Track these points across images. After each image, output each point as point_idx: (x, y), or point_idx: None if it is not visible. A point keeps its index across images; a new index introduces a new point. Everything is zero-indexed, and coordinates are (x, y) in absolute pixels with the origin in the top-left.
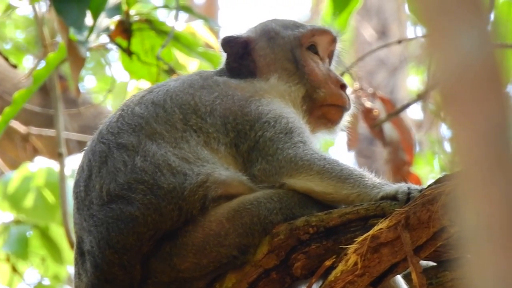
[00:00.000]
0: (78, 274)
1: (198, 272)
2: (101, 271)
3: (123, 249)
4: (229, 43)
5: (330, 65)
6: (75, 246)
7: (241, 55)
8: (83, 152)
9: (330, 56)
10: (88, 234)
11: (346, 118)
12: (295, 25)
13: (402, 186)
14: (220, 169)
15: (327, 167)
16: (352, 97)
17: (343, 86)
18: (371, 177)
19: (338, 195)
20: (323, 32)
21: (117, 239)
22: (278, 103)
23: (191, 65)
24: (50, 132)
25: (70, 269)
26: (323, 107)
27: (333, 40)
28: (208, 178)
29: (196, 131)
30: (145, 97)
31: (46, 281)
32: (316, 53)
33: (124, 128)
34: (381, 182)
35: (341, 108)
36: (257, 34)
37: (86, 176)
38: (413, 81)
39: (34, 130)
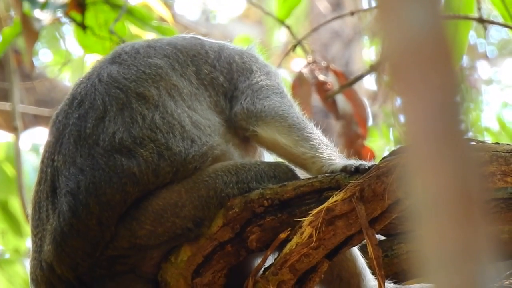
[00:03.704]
0: (46, 211)
1: (153, 241)
2: (77, 219)
3: (107, 204)
4: None
5: None
6: (45, 179)
7: None
8: (83, 85)
9: None
10: (79, 172)
11: None
12: None
13: (352, 162)
14: (222, 144)
15: (300, 125)
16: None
17: None
18: (333, 150)
19: (296, 150)
20: None
21: (104, 191)
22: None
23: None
24: (7, 105)
25: (29, 242)
26: None
27: None
28: (212, 152)
29: (207, 87)
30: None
31: (6, 255)
32: None
33: (142, 77)
34: (339, 156)
35: None
36: None
37: (99, 115)
38: (368, 53)
39: None
